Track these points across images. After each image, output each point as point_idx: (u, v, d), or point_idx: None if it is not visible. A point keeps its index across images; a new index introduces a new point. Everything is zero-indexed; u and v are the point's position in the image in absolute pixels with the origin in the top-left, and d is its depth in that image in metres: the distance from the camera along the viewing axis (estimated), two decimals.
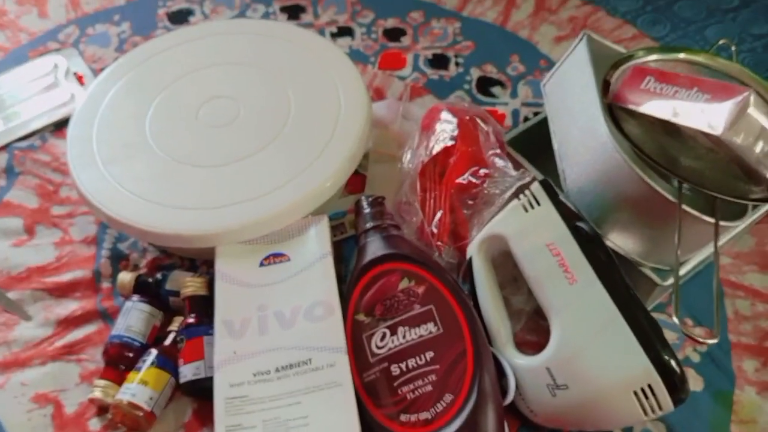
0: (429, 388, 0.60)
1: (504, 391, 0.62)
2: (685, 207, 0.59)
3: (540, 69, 0.98)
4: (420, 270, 0.66)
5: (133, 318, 0.70)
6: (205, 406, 0.67)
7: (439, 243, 0.71)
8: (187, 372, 0.66)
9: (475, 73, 0.98)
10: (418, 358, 0.61)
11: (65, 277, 0.77)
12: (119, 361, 0.69)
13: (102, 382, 0.67)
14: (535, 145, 0.76)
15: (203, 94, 0.81)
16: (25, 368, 0.70)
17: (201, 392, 0.66)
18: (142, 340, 0.70)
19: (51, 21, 1.08)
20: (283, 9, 1.09)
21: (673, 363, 0.56)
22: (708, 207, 0.61)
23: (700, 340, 0.54)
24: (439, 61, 1.00)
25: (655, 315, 0.60)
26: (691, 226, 0.61)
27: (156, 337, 0.71)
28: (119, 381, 0.67)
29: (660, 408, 0.57)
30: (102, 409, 0.67)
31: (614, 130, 0.64)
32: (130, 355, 0.69)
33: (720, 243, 0.62)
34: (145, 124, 0.79)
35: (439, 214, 0.72)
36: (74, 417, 0.67)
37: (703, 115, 0.59)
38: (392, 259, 0.67)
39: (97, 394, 0.66)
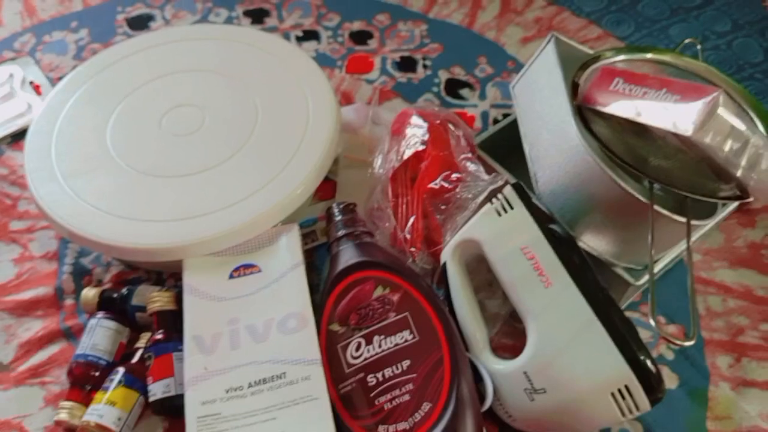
0: (407, 397, 0.59)
1: (482, 397, 0.62)
2: (657, 207, 0.59)
3: (508, 70, 0.98)
4: (394, 277, 0.65)
5: (99, 336, 0.68)
6: (176, 424, 0.65)
7: (412, 249, 0.70)
8: (157, 390, 0.64)
9: (443, 76, 0.98)
10: (394, 367, 0.60)
11: (26, 295, 0.75)
12: (85, 381, 0.66)
13: (68, 404, 0.64)
14: (505, 147, 0.76)
15: (166, 103, 0.79)
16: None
17: (172, 410, 0.64)
18: (109, 358, 0.67)
19: (6, 29, 1.04)
20: (247, 13, 1.07)
21: (648, 363, 0.56)
22: (678, 206, 0.62)
23: (678, 342, 0.54)
24: (406, 64, 0.99)
25: (628, 314, 0.60)
26: (663, 226, 0.61)
27: (123, 355, 0.69)
28: (86, 402, 0.65)
29: (637, 408, 0.57)
30: (69, 431, 0.65)
31: (584, 132, 0.64)
32: (96, 374, 0.66)
33: (691, 241, 0.63)
34: (106, 134, 0.76)
35: (411, 220, 0.71)
36: None
37: (672, 116, 0.60)
38: (366, 266, 0.66)
39: (63, 416, 0.64)
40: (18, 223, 0.81)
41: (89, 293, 0.71)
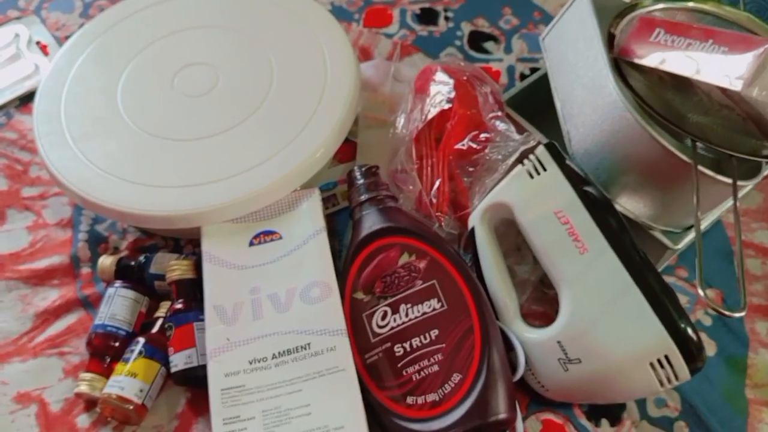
0: (435, 368, 0.57)
1: (513, 367, 0.60)
2: (701, 168, 0.56)
3: (534, 21, 0.93)
4: (420, 243, 0.62)
5: (117, 305, 0.66)
6: (199, 394, 0.64)
7: (438, 213, 0.68)
8: (179, 361, 0.62)
9: (466, 28, 0.93)
10: (422, 337, 0.58)
11: (41, 263, 0.73)
12: (105, 351, 0.65)
13: (88, 375, 0.63)
14: (535, 104, 0.72)
15: (178, 61, 0.76)
16: (5, 366, 0.66)
17: (194, 381, 0.62)
18: (128, 328, 0.66)
19: None
20: None
21: (689, 331, 0.54)
22: (716, 165, 0.58)
23: (728, 313, 0.51)
24: (427, 16, 0.95)
25: (664, 278, 0.58)
26: (706, 187, 0.57)
27: (142, 324, 0.67)
28: (106, 373, 0.63)
29: (677, 378, 0.55)
30: (90, 404, 0.64)
31: (623, 87, 0.60)
32: (116, 344, 0.65)
33: (727, 202, 0.60)
34: (116, 96, 0.73)
35: (437, 183, 0.68)
36: (61, 414, 0.63)
37: (720, 68, 0.56)
38: (390, 232, 0.63)
39: (83, 388, 0.63)
40: (30, 190, 0.79)
41: (106, 261, 0.69)
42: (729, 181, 0.57)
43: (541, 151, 0.62)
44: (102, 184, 0.66)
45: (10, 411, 0.64)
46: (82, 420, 0.63)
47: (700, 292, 0.50)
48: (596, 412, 0.63)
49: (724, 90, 0.57)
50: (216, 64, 0.75)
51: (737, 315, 0.50)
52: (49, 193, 0.78)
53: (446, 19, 0.94)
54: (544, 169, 0.62)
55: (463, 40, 0.92)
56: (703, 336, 0.67)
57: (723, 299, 0.69)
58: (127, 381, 0.61)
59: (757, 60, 0.54)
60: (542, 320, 0.62)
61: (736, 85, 0.54)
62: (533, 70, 0.86)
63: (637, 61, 0.62)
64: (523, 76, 0.87)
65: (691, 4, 0.67)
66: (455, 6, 0.96)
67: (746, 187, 0.64)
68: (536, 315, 0.67)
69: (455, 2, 0.96)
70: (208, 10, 0.81)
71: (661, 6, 0.67)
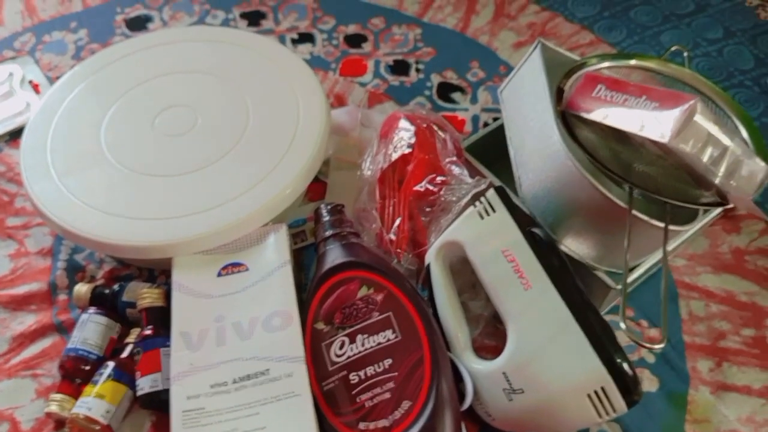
0: (387, 395, 0.60)
1: (462, 396, 0.63)
2: (635, 212, 0.60)
3: (499, 75, 0.99)
4: (379, 277, 0.66)
5: (89, 330, 0.69)
6: (163, 418, 0.66)
7: (398, 250, 0.71)
8: (144, 384, 0.65)
9: (435, 79, 0.99)
10: (376, 366, 0.61)
11: (21, 289, 0.76)
12: (75, 374, 0.68)
13: (58, 396, 0.66)
14: (494, 150, 0.77)
15: (160, 103, 0.81)
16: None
17: (159, 405, 0.65)
18: (99, 352, 0.69)
19: (6, 29, 1.06)
20: (243, 15, 1.08)
21: (625, 365, 0.57)
22: (659, 212, 0.62)
23: (648, 345, 0.55)
24: (399, 68, 1.01)
25: (609, 317, 0.62)
26: (642, 230, 0.62)
27: (113, 350, 0.70)
28: (75, 394, 0.66)
29: (614, 410, 0.57)
30: (59, 424, 0.66)
31: (567, 137, 0.64)
32: (87, 368, 0.68)
33: (673, 246, 0.64)
34: (100, 133, 0.78)
35: (397, 221, 0.72)
36: None
37: (650, 123, 0.60)
38: (351, 266, 0.67)
39: (54, 408, 0.65)
40: (14, 220, 0.83)
41: (82, 289, 0.73)
42: (661, 225, 0.61)
43: (491, 194, 0.67)
44: (82, 216, 0.70)
45: None
46: None
47: (621, 324, 0.54)
48: None
49: (655, 142, 0.61)
50: (195, 107, 0.80)
51: (657, 347, 0.54)
52: (32, 223, 0.82)
53: (417, 70, 1.00)
54: (494, 211, 0.66)
55: (432, 90, 0.97)
56: (646, 372, 0.71)
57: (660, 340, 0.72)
58: (95, 402, 0.64)
59: (683, 114, 0.59)
60: (494, 353, 0.64)
61: (663, 138, 0.59)
62: (495, 120, 0.91)
63: (582, 114, 0.66)
64: (486, 125, 0.92)
65: (634, 62, 0.72)
66: (426, 59, 1.02)
67: (683, 232, 0.68)
68: (489, 348, 0.70)
69: (427, 55, 1.02)
70: (191, 56, 0.87)
71: (607, 64, 0.72)
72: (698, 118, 0.59)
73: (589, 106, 0.66)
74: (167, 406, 0.60)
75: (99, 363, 0.68)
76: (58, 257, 0.79)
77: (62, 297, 0.76)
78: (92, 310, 0.71)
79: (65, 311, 0.75)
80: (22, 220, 0.83)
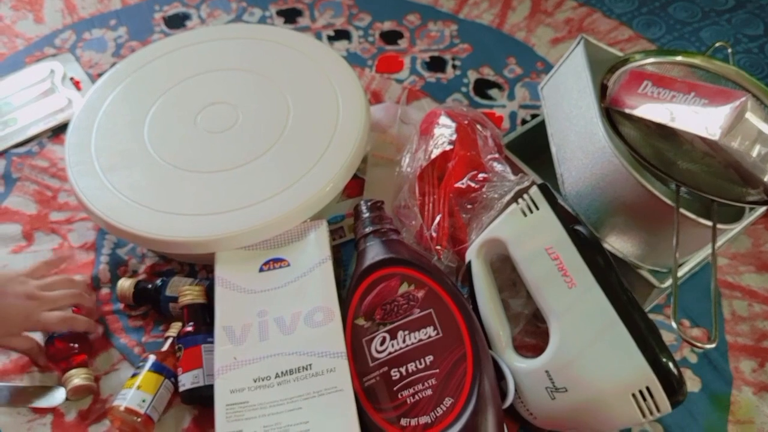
0: (429, 392, 0.60)
1: (503, 394, 0.63)
2: (682, 210, 0.60)
3: (537, 71, 0.99)
4: (419, 274, 0.66)
5: None
6: (205, 412, 0.67)
7: (438, 247, 0.71)
8: (186, 381, 0.66)
9: (472, 76, 0.99)
10: (417, 362, 0.62)
11: None
12: (68, 352, 0.69)
13: (72, 371, 0.68)
14: (533, 147, 0.77)
15: (201, 100, 0.82)
16: (24, 377, 0.70)
17: (200, 400, 0.66)
18: None
19: (47, 26, 1.08)
20: (280, 12, 1.09)
21: (671, 365, 0.57)
22: (704, 210, 0.62)
23: (699, 345, 0.54)
24: (436, 64, 1.00)
25: (652, 316, 0.61)
26: (688, 229, 0.61)
27: (150, 343, 0.71)
28: (83, 365, 0.69)
29: (658, 410, 0.57)
30: (101, 416, 0.67)
31: (612, 134, 0.64)
32: (75, 344, 0.70)
33: (717, 245, 0.63)
34: (143, 130, 0.79)
35: (437, 218, 0.72)
36: (74, 424, 0.67)
37: (700, 119, 0.60)
38: (392, 263, 0.67)
39: (78, 381, 0.67)
40: (58, 214, 0.84)
41: (125, 284, 0.74)
42: (709, 224, 0.61)
43: (535, 191, 0.67)
44: (126, 211, 0.71)
45: (28, 420, 0.67)
46: (94, 430, 0.67)
47: (673, 323, 0.53)
48: None
49: (704, 139, 0.61)
50: (237, 104, 0.81)
51: (708, 346, 0.54)
52: (75, 218, 0.83)
53: (454, 67, 1.00)
54: (537, 208, 0.66)
55: (469, 87, 0.97)
56: (688, 373, 0.70)
57: (708, 338, 0.72)
58: (131, 392, 0.65)
59: (734, 111, 0.58)
60: (534, 352, 0.64)
61: (714, 135, 0.58)
62: (533, 117, 0.91)
63: (626, 111, 0.66)
64: (524, 122, 0.92)
65: (679, 59, 0.71)
66: (463, 55, 1.02)
67: (729, 231, 0.68)
68: (528, 347, 0.70)
69: (463, 52, 1.02)
70: (232, 54, 0.87)
71: (652, 60, 0.71)
72: (749, 115, 0.58)
73: (635, 102, 0.65)
74: (208, 401, 0.61)
75: (80, 334, 0.70)
76: (101, 252, 0.80)
77: (105, 291, 0.77)
78: None
79: (108, 305, 0.76)
80: (65, 215, 0.84)
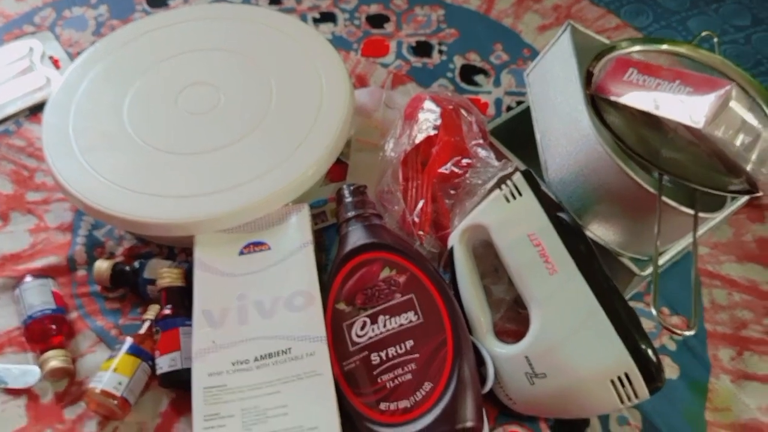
0: (409, 376, 0.60)
1: (483, 380, 0.63)
2: (665, 199, 0.60)
3: (523, 58, 0.98)
4: (401, 259, 0.66)
5: (32, 296, 0.71)
6: (182, 395, 0.66)
7: (420, 232, 0.71)
8: (163, 363, 0.65)
9: (458, 61, 0.98)
10: (398, 347, 0.61)
11: (39, 263, 0.76)
12: (46, 333, 0.69)
13: (50, 353, 0.67)
14: (518, 134, 0.76)
15: (182, 81, 0.80)
16: None
17: (177, 383, 0.66)
18: (53, 306, 0.70)
19: (27, 3, 1.06)
20: None
21: (649, 352, 0.57)
22: (687, 198, 0.62)
23: (678, 331, 0.54)
24: (422, 49, 0.99)
25: (632, 304, 0.61)
26: (670, 217, 0.61)
27: (126, 326, 0.70)
28: (61, 347, 0.69)
29: (636, 396, 0.58)
30: (76, 398, 0.67)
31: (596, 122, 0.64)
32: (53, 326, 0.69)
33: (698, 234, 0.63)
34: (122, 110, 0.77)
35: (420, 204, 0.71)
36: (50, 406, 0.66)
37: (684, 108, 0.60)
38: (374, 248, 0.67)
39: (56, 363, 0.66)
40: (34, 194, 0.83)
41: (102, 265, 0.73)
42: (691, 212, 0.61)
43: (518, 178, 0.66)
44: (104, 192, 0.70)
45: (2, 401, 0.66)
46: (69, 412, 0.66)
47: (653, 310, 0.53)
48: (561, 426, 0.66)
49: (688, 127, 0.60)
50: (219, 85, 0.80)
51: (687, 333, 0.54)
52: (52, 198, 0.82)
53: (440, 52, 0.99)
54: (520, 194, 0.66)
55: (455, 73, 0.96)
56: (668, 360, 0.70)
57: (688, 325, 0.72)
58: (108, 375, 0.64)
59: (719, 100, 0.58)
60: (515, 338, 0.64)
61: (698, 123, 0.58)
62: (519, 103, 0.90)
63: (612, 98, 0.65)
64: (509, 109, 0.91)
65: (665, 47, 0.71)
66: (449, 40, 1.01)
67: (711, 219, 0.68)
68: (510, 332, 0.70)
69: (449, 37, 1.01)
70: (214, 33, 0.86)
71: (638, 48, 0.71)
72: (733, 104, 0.58)
73: (620, 90, 0.65)
74: (186, 384, 0.60)
75: (58, 315, 0.70)
76: (78, 233, 0.79)
77: (81, 273, 0.76)
78: (21, 284, 0.72)
79: (85, 286, 0.75)
80: (42, 195, 0.82)
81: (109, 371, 0.64)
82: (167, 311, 0.68)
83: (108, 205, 0.69)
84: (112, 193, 0.70)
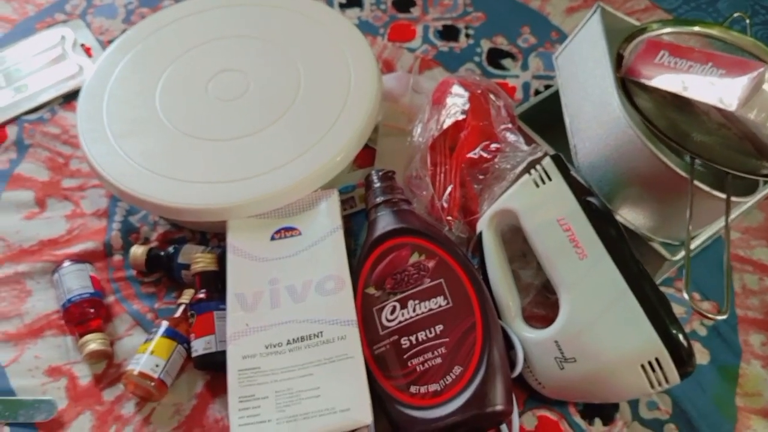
0: (438, 360, 0.61)
1: (512, 364, 0.63)
2: (696, 183, 0.59)
3: (551, 41, 0.98)
4: (430, 244, 0.66)
5: (70, 281, 0.72)
6: (217, 377, 0.68)
7: (449, 217, 0.71)
8: (199, 346, 0.67)
9: (485, 45, 0.97)
10: (427, 331, 0.62)
11: (76, 248, 0.78)
12: (85, 316, 0.70)
13: (89, 336, 0.69)
14: (546, 118, 0.76)
15: (212, 68, 0.81)
16: (38, 341, 0.71)
17: (212, 366, 0.67)
18: (91, 290, 0.72)
19: None
20: None
21: (680, 337, 0.57)
22: (718, 182, 0.61)
23: (710, 316, 0.54)
24: (449, 33, 0.99)
25: (663, 289, 0.61)
26: (702, 201, 0.61)
27: (162, 310, 0.72)
28: (100, 330, 0.71)
29: (667, 381, 0.58)
30: (114, 380, 0.69)
31: (627, 105, 0.63)
32: (91, 309, 0.71)
33: (730, 218, 0.62)
34: (154, 97, 0.79)
35: (449, 189, 0.72)
36: (88, 388, 0.68)
37: (716, 90, 0.59)
38: (402, 233, 0.67)
39: (95, 346, 0.68)
40: (70, 181, 0.84)
41: (137, 251, 0.74)
42: (723, 196, 0.60)
43: (547, 162, 0.66)
44: (138, 178, 0.72)
45: (42, 383, 0.69)
46: (108, 394, 0.68)
47: (685, 295, 0.53)
48: (590, 411, 0.66)
49: (720, 110, 0.60)
50: (248, 71, 0.80)
51: (719, 317, 0.54)
52: (87, 185, 0.84)
53: (467, 36, 0.99)
54: (549, 179, 0.65)
55: (482, 57, 0.96)
56: (698, 345, 0.70)
57: (719, 311, 0.72)
58: (145, 357, 0.66)
59: (752, 82, 0.57)
60: (543, 323, 0.65)
61: (731, 106, 0.58)
62: (547, 87, 0.90)
63: (642, 81, 0.65)
64: (537, 92, 0.91)
65: (697, 29, 0.70)
66: (476, 24, 1.00)
67: (743, 204, 0.67)
68: (538, 317, 0.70)
69: (476, 20, 1.01)
70: (243, 21, 0.87)
71: (669, 30, 0.70)
72: (767, 86, 0.57)
73: (651, 72, 0.64)
74: (221, 366, 0.62)
75: (96, 299, 0.72)
76: (113, 219, 0.81)
77: (117, 258, 0.78)
78: (59, 269, 0.74)
79: (121, 271, 0.76)
80: (77, 182, 0.84)
81: (146, 354, 0.66)
82: (201, 295, 0.69)
83: (142, 191, 0.71)
84: (145, 178, 0.71)
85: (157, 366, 0.66)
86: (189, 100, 0.79)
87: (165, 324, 0.69)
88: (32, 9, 1.05)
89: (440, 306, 0.63)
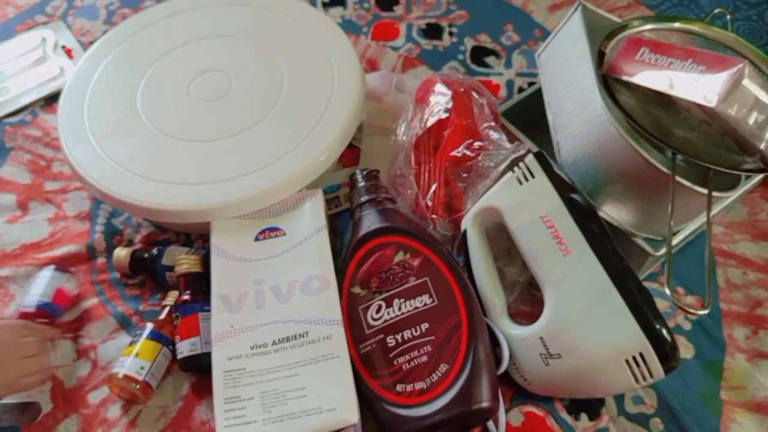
0: (424, 358, 0.61)
1: (498, 361, 0.63)
2: (678, 178, 0.60)
3: (534, 38, 0.98)
4: (415, 243, 0.66)
5: (35, 286, 0.72)
6: (203, 379, 0.68)
7: (433, 216, 0.71)
8: (184, 348, 0.66)
9: (469, 43, 0.98)
10: (413, 330, 0.62)
11: (59, 252, 0.77)
12: None
13: None
14: (529, 116, 0.76)
15: (194, 68, 0.81)
16: None
17: (198, 367, 0.67)
18: (47, 300, 0.71)
19: None
20: None
21: (664, 331, 0.57)
22: (700, 178, 0.62)
23: (691, 311, 0.54)
24: (432, 31, 0.99)
25: (647, 284, 0.61)
26: (684, 197, 0.61)
27: (148, 311, 0.71)
28: None
29: (651, 376, 0.58)
30: (100, 383, 0.68)
31: (608, 102, 0.64)
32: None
33: (712, 213, 0.63)
34: (136, 98, 0.78)
35: (433, 187, 0.72)
36: (74, 390, 0.68)
37: (697, 86, 0.59)
38: (387, 232, 0.67)
39: None
40: (52, 184, 0.84)
41: (121, 253, 0.74)
42: (705, 191, 0.61)
43: (530, 160, 0.66)
44: (121, 180, 0.71)
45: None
46: (93, 397, 0.67)
47: (667, 290, 0.54)
48: (576, 406, 0.66)
49: (701, 106, 0.60)
50: (230, 72, 0.80)
51: (701, 312, 0.54)
52: (69, 187, 0.83)
53: (450, 34, 0.99)
54: (533, 176, 0.66)
55: (466, 54, 0.96)
56: (682, 339, 0.70)
57: (702, 305, 0.72)
58: (130, 360, 0.65)
59: (731, 78, 0.58)
60: (529, 319, 0.65)
61: (711, 102, 0.58)
62: (531, 85, 0.90)
63: (624, 78, 0.65)
64: (521, 90, 0.91)
65: (678, 25, 0.71)
66: (459, 22, 1.00)
67: (725, 198, 0.67)
68: (523, 314, 0.71)
69: (460, 18, 1.01)
70: (225, 20, 0.86)
71: (650, 26, 0.70)
72: (746, 82, 0.58)
73: (632, 69, 0.65)
74: (206, 368, 0.61)
75: (45, 311, 0.70)
76: (96, 221, 0.80)
77: (101, 260, 0.77)
78: (46, 269, 0.73)
79: (105, 273, 0.76)
80: (60, 185, 0.84)
81: (131, 356, 0.66)
82: (186, 297, 0.69)
83: (124, 193, 0.70)
84: (128, 180, 0.71)
85: (142, 368, 0.65)
86: (171, 101, 0.78)
87: (150, 326, 0.68)
88: (12, 11, 1.04)
89: (425, 304, 0.63)
